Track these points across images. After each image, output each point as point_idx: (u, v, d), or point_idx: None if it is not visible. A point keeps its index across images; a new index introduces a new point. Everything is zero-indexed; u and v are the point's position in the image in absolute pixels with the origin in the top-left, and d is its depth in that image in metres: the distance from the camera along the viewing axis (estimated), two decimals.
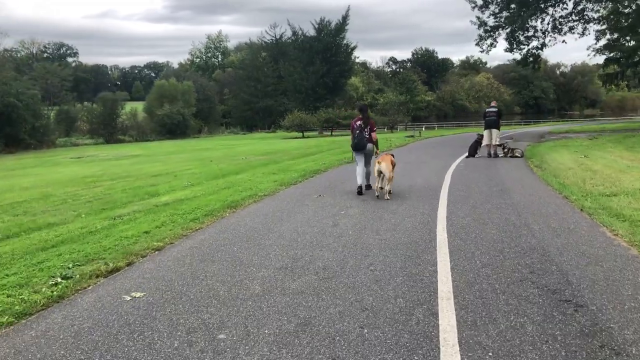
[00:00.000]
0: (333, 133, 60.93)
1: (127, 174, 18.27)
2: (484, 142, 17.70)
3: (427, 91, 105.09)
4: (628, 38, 46.71)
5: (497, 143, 17.34)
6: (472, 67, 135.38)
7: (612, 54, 53.24)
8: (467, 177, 12.40)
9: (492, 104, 18.13)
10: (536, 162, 14.96)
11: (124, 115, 72.74)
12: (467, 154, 18.69)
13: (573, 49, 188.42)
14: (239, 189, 11.60)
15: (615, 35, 50.81)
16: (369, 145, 10.39)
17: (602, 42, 43.96)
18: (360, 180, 10.39)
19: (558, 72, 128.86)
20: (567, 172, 12.04)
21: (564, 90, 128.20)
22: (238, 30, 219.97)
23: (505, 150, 17.28)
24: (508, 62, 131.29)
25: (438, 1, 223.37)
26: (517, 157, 16.85)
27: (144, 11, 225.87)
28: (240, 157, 23.48)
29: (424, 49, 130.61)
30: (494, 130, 17.29)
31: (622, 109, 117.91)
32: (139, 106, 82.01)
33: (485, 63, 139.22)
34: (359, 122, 10.32)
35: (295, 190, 11.24)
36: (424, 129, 60.22)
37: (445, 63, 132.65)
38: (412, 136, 36.21)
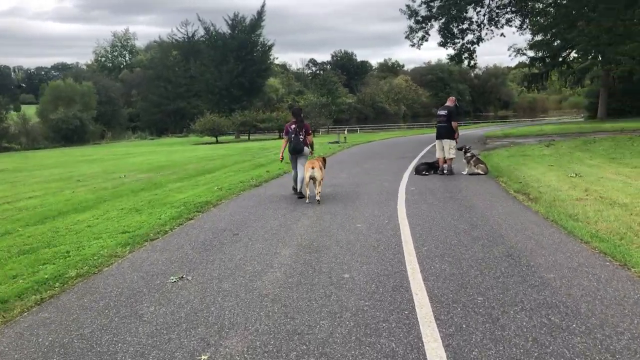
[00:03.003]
0: (250, 137, 55.93)
1: None
2: (436, 155, 13.43)
3: (348, 93, 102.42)
4: (552, 38, 45.13)
5: (452, 156, 13.09)
6: (390, 69, 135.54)
7: (537, 54, 52.00)
8: (432, 218, 7.92)
9: (448, 102, 13.53)
10: (513, 184, 10.78)
11: (10, 120, 63.91)
12: (411, 168, 14.45)
13: (484, 53, 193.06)
14: (45, 257, 6.48)
15: (538, 37, 49.45)
16: (305, 149, 10.18)
17: (538, 37, 41.88)
18: (299, 186, 10.13)
19: (472, 74, 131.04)
20: (580, 207, 7.85)
21: (479, 92, 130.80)
22: (156, 31, 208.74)
23: (468, 156, 12.98)
24: (424, 65, 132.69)
25: (355, 5, 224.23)
26: (479, 174, 12.69)
27: (54, 10, 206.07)
28: (120, 175, 18.03)
29: (343, 51, 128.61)
30: (447, 142, 13.00)
31: (533, 110, 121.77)
32: (29, 110, 73.03)
33: (403, 66, 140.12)
34: (293, 126, 10.15)
35: (144, 258, 6.26)
36: (346, 131, 56.39)
37: (364, 65, 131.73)
38: (336, 142, 31.83)
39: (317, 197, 9.50)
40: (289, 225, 7.70)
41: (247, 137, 55.97)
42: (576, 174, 11.11)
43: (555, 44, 47.22)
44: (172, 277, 5.40)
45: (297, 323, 4.08)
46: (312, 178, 9.39)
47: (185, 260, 6.08)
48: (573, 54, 51.42)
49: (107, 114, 78.97)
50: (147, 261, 6.13)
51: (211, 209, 9.55)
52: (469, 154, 13.04)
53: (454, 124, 12.98)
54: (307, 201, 9.56)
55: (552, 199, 8.64)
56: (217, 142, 49.74)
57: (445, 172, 13.10)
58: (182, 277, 5.42)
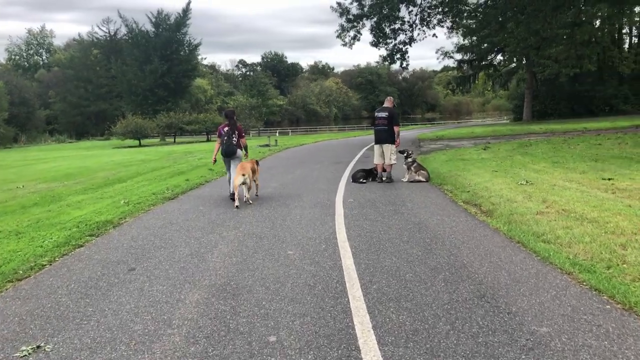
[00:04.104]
0: (176, 140, 53.33)
1: None
2: (374, 160, 12.24)
3: (279, 95, 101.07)
4: (480, 40, 45.73)
5: (394, 162, 11.93)
6: (321, 72, 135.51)
7: (465, 56, 52.71)
8: (378, 240, 6.65)
9: (386, 102, 12.31)
10: (460, 193, 9.71)
11: None
12: (347, 175, 13.22)
13: (412, 56, 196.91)
14: None
15: (466, 41, 50.12)
16: (239, 152, 10.09)
17: (466, 41, 42.17)
18: (232, 187, 9.87)
19: (400, 77, 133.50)
20: (545, 223, 6.81)
21: (407, 95, 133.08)
22: (79, 30, 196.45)
23: (409, 161, 11.90)
24: (354, 67, 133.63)
25: (285, 8, 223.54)
26: (420, 181, 11.63)
27: None
28: (19, 185, 15.76)
29: (273, 52, 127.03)
30: (388, 146, 11.84)
31: (458, 112, 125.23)
32: None
33: (333, 68, 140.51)
34: (226, 128, 10.07)
35: None
36: (277, 134, 54.93)
37: (295, 67, 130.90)
38: (267, 145, 30.31)
39: (249, 201, 9.48)
40: (202, 254, 6.17)
41: (172, 140, 53.36)
42: (526, 181, 10.20)
43: (484, 46, 47.95)
44: (23, 348, 3.78)
45: None
46: (243, 183, 9.25)
47: (53, 314, 4.45)
48: (499, 57, 52.55)
49: (20, 115, 73.29)
50: None
51: (110, 230, 7.84)
52: (410, 159, 11.95)
53: (396, 128, 11.83)
54: (235, 204, 9.20)
55: (509, 213, 7.59)
56: (140, 145, 46.95)
57: (384, 179, 11.95)
58: (38, 346, 3.81)
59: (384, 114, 11.96)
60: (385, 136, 11.79)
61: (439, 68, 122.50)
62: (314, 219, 7.97)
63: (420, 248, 6.07)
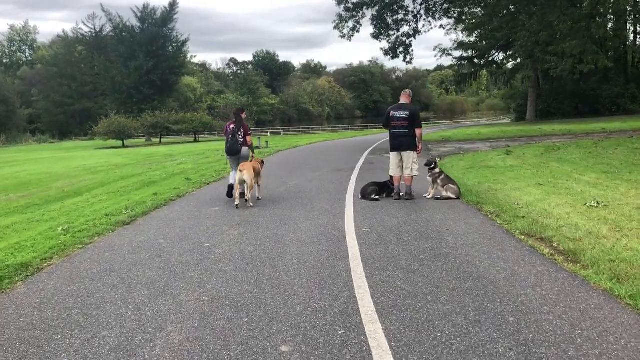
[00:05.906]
0: (163, 141, 50.72)
1: None
2: (390, 172, 9.71)
3: (271, 94, 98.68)
4: (490, 34, 43.36)
5: (416, 173, 9.42)
6: (313, 71, 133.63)
7: (466, 53, 50.38)
8: (429, 319, 4.15)
9: (402, 97, 9.74)
10: (512, 219, 7.13)
11: None
12: (354, 187, 10.70)
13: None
14: None
15: (471, 37, 47.79)
16: (244, 150, 9.89)
17: (471, 37, 39.82)
18: (232, 180, 9.71)
19: (394, 76, 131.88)
20: None
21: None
22: (69, 28, 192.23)
23: (436, 173, 9.44)
24: (346, 66, 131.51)
25: (277, 7, 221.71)
26: (450, 198, 9.13)
27: None
28: None
29: (265, 51, 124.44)
30: (409, 154, 9.33)
31: (453, 112, 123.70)
32: None
33: (325, 67, 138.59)
34: (232, 126, 9.88)
35: None
36: (269, 134, 52.38)
37: (287, 66, 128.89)
38: (257, 147, 27.71)
39: (250, 203, 9.08)
40: (135, 348, 3.62)
41: (158, 141, 50.72)
42: (597, 202, 7.69)
43: (484, 43, 45.64)
44: None
45: None
46: (243, 181, 8.99)
47: None
48: (500, 55, 50.28)
49: (0, 114, 70.33)
50: None
51: (17, 285, 5.26)
52: (436, 171, 9.44)
53: (418, 131, 9.33)
54: (236, 203, 9.10)
55: (608, 259, 5.09)
56: (123, 146, 44.25)
57: (402, 194, 9.44)
58: None
59: (403, 114, 9.41)
60: (406, 142, 9.25)
61: (432, 67, 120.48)
62: (318, 267, 5.43)
63: (508, 340, 3.55)
